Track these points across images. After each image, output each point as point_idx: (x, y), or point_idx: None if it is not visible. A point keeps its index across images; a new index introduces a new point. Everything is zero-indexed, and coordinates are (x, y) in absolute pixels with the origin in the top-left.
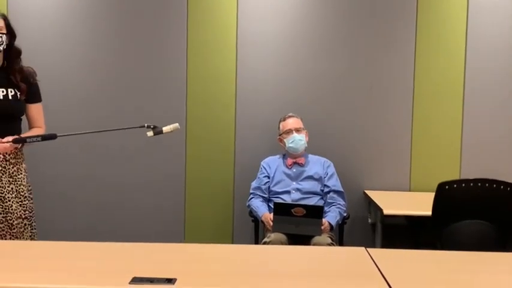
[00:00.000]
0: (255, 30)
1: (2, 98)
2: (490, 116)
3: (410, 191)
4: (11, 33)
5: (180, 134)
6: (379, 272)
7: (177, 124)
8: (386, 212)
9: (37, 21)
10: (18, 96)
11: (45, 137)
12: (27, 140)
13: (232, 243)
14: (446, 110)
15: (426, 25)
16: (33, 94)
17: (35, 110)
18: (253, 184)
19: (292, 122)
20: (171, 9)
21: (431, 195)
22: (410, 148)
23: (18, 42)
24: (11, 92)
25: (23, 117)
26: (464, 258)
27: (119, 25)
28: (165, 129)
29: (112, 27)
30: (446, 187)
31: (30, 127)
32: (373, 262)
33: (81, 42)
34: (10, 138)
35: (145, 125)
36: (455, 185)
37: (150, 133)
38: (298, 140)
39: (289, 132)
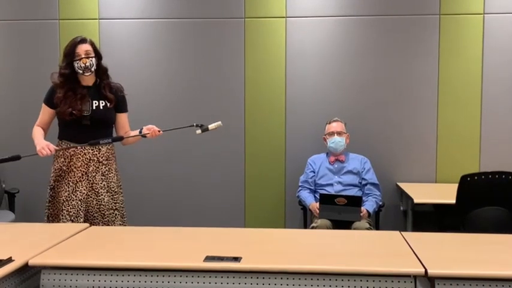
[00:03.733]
0: (301, 48)
1: (95, 108)
2: (504, 116)
3: (436, 182)
4: (98, 56)
5: (240, 142)
6: (412, 252)
7: (219, 122)
8: (416, 200)
9: (125, 47)
10: (108, 105)
11: (114, 139)
12: (100, 141)
13: (285, 228)
14: (466, 112)
15: (447, 39)
16: (120, 104)
17: (122, 118)
18: (302, 178)
19: (335, 126)
20: (231, 34)
21: (455, 186)
22: (436, 146)
23: (109, 62)
24: (102, 103)
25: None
26: (485, 240)
27: (193, 48)
28: (210, 126)
29: (187, 52)
30: (468, 179)
31: (118, 133)
32: (407, 243)
33: (162, 66)
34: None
35: (194, 124)
36: (475, 177)
37: (198, 131)
38: (338, 142)
39: (331, 134)
